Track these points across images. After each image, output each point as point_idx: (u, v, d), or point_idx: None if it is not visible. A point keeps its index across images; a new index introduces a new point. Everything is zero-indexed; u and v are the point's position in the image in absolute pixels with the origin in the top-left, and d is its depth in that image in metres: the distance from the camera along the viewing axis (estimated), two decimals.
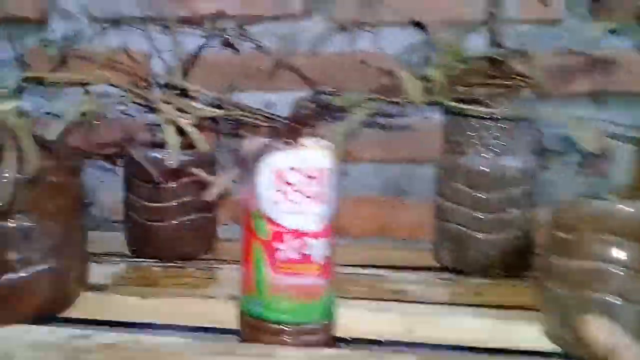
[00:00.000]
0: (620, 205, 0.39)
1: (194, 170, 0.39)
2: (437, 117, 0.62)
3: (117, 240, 0.64)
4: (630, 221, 0.38)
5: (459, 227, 0.58)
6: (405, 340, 0.48)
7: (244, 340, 0.45)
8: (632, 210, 0.39)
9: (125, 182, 0.62)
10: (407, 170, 0.69)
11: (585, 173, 0.69)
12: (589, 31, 0.64)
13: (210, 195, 0.38)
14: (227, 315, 0.50)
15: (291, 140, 0.41)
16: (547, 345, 0.44)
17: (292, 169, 0.40)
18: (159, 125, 0.62)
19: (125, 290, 0.53)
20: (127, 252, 0.64)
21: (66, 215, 0.46)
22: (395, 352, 0.45)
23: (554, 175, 0.65)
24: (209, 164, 0.60)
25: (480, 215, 0.56)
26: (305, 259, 0.42)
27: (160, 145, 0.60)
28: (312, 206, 0.41)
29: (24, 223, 0.43)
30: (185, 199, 0.61)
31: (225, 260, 0.62)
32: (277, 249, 0.41)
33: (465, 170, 0.56)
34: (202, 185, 0.62)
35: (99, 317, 0.50)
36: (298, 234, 0.41)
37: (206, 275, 0.59)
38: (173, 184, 0.60)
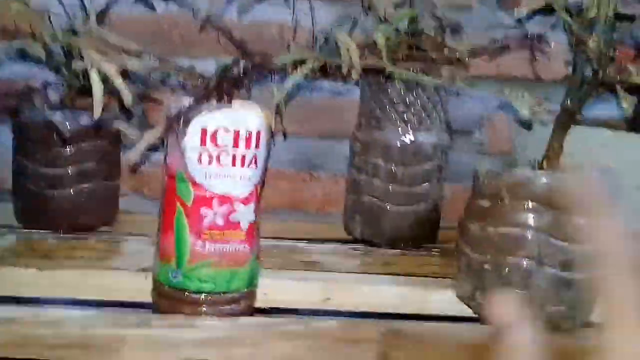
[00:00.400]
0: (539, 175, 0.41)
1: (120, 125, 0.36)
2: (355, 93, 0.63)
3: (3, 210, 0.58)
4: (546, 190, 0.41)
5: (372, 199, 0.58)
6: (323, 308, 0.48)
7: (158, 312, 0.42)
8: (549, 180, 0.41)
9: (17, 146, 0.56)
10: (321, 144, 0.69)
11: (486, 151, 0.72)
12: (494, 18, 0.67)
13: (135, 154, 0.35)
14: (135, 288, 0.47)
15: (221, 101, 0.39)
16: (459, 309, 0.46)
17: (222, 129, 0.38)
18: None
19: (19, 263, 0.48)
20: (15, 223, 0.58)
21: None
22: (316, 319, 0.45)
23: (458, 152, 0.68)
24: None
25: (394, 188, 0.57)
26: (232, 225, 0.40)
27: (56, 106, 0.55)
28: (241, 170, 0.39)
29: None
30: (84, 165, 0.57)
31: (128, 232, 0.58)
32: (201, 215, 0.39)
33: (382, 144, 0.57)
34: (104, 150, 0.59)
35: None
36: (226, 199, 0.39)
37: (108, 248, 0.55)
38: (71, 148, 0.55)
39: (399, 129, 0.57)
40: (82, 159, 0.57)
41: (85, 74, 0.53)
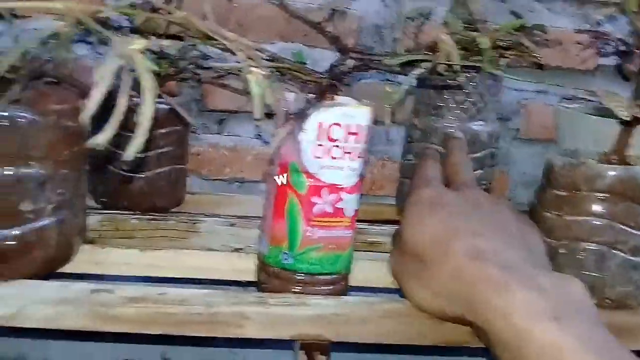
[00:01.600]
0: (612, 168, 0.45)
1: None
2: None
3: None
4: (618, 181, 0.45)
5: None
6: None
7: (264, 291, 0.46)
8: (621, 172, 0.45)
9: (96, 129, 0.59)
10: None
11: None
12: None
13: (275, 143, 0.38)
14: (229, 268, 0.51)
15: (332, 97, 0.42)
16: None
17: (335, 124, 0.41)
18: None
19: (116, 243, 0.51)
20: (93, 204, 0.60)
21: (78, 164, 0.43)
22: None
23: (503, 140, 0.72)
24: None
25: None
26: (338, 212, 0.43)
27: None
28: (350, 162, 0.43)
29: (40, 170, 0.40)
30: (163, 150, 0.60)
31: (202, 213, 0.62)
32: (313, 203, 0.43)
33: (441, 132, 0.60)
34: (179, 135, 0.62)
35: (99, 272, 0.49)
36: (334, 188, 0.43)
37: (189, 228, 0.58)
38: (154, 133, 0.58)
39: (458, 117, 0.60)
40: (160, 144, 0.59)
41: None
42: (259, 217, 0.56)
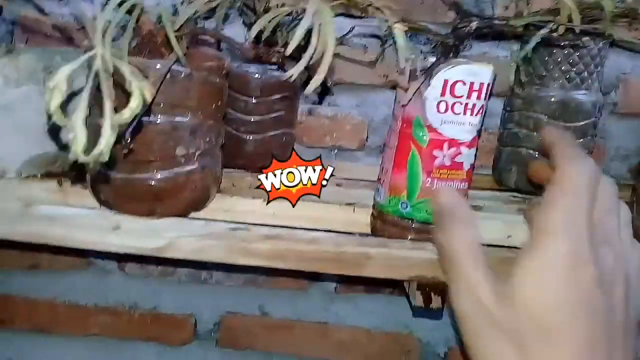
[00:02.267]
0: None
1: (398, 78, 0.42)
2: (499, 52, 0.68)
3: None
4: None
5: (530, 152, 0.64)
6: (506, 244, 0.54)
7: (383, 237, 0.49)
8: None
9: None
10: None
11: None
12: None
13: (406, 97, 0.42)
14: (343, 219, 0.54)
15: (457, 56, 0.45)
16: None
17: (460, 81, 0.44)
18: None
19: (240, 193, 0.56)
20: None
21: (220, 117, 0.48)
22: None
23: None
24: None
25: None
26: (457, 166, 0.46)
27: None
28: (471, 118, 0.45)
29: (192, 119, 0.45)
30: (277, 114, 0.64)
31: None
32: (433, 156, 0.46)
33: (546, 101, 0.62)
34: (290, 101, 0.66)
35: (228, 218, 0.53)
36: (454, 143, 0.46)
37: None
38: (269, 98, 0.62)
39: (563, 87, 0.62)
40: (274, 108, 0.64)
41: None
42: (361, 179, 0.60)
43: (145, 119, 0.41)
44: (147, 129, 0.42)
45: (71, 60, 0.51)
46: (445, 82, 0.44)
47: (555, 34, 0.44)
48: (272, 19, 0.38)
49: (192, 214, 0.48)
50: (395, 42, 0.37)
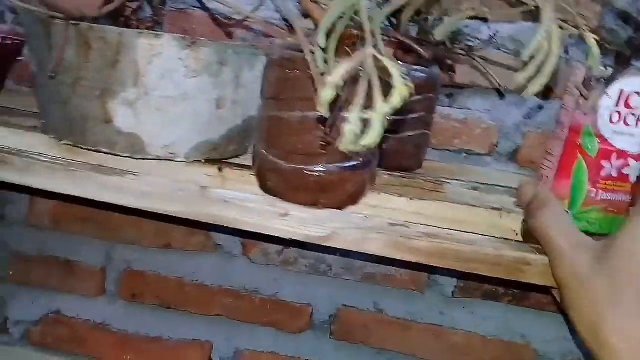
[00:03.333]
0: None
1: (578, 86, 0.43)
2: None
3: None
4: None
5: None
6: None
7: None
8: None
9: None
10: None
11: None
12: None
13: (587, 106, 0.42)
14: (490, 223, 0.55)
15: (628, 67, 0.45)
16: None
17: (636, 93, 0.44)
18: None
19: (384, 190, 0.57)
20: None
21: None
22: None
23: None
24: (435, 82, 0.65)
25: None
26: (623, 177, 0.46)
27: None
28: None
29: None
30: (416, 115, 0.65)
31: (441, 176, 0.66)
32: (601, 166, 0.46)
33: None
34: (431, 103, 0.67)
35: (373, 214, 0.55)
36: (623, 154, 0.45)
37: (435, 188, 0.62)
38: (410, 99, 0.64)
39: None
40: (415, 109, 0.65)
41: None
42: (496, 185, 0.60)
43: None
44: (321, 123, 0.44)
45: (241, 54, 0.54)
46: (621, 92, 0.44)
47: None
48: (455, 20, 0.39)
49: (349, 208, 0.50)
50: (587, 51, 0.37)
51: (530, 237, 0.49)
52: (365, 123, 0.28)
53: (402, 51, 0.64)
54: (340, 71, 0.28)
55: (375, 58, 0.29)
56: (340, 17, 0.34)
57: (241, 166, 0.56)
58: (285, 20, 0.65)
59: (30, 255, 0.85)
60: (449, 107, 0.77)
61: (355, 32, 0.43)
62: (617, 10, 0.49)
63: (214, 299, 0.82)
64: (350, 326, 0.81)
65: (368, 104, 0.29)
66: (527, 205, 0.46)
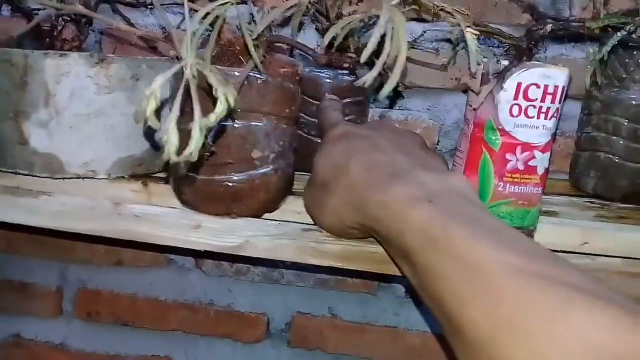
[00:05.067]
0: None
1: (470, 82, 0.42)
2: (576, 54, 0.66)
3: None
4: None
5: (610, 156, 0.62)
6: (579, 251, 0.52)
7: None
8: None
9: None
10: None
11: None
12: None
13: (477, 101, 0.42)
14: None
15: (528, 60, 0.45)
16: None
17: (534, 84, 0.44)
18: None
19: None
20: None
21: (293, 121, 0.50)
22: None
23: None
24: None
25: (635, 145, 0.60)
26: (530, 170, 0.46)
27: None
28: (545, 121, 0.45)
29: (267, 123, 0.47)
30: (348, 118, 0.65)
31: None
32: (506, 159, 0.46)
33: (626, 104, 0.60)
34: (362, 106, 0.67)
35: (300, 220, 0.54)
36: (528, 146, 0.45)
37: None
38: (343, 102, 0.64)
39: None
40: (345, 112, 0.65)
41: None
42: None
43: (223, 123, 0.43)
44: (226, 132, 0.44)
45: (156, 69, 0.54)
46: (519, 85, 0.44)
47: (634, 35, 0.43)
48: (345, 25, 0.39)
49: (266, 215, 0.50)
50: (466, 46, 0.37)
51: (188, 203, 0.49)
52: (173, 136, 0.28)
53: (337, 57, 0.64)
54: (158, 80, 0.28)
55: (197, 67, 0.29)
56: (209, 28, 0.34)
57: (165, 180, 0.56)
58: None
59: None
60: (389, 108, 0.77)
61: (236, 38, 0.44)
62: (524, 3, 0.49)
63: (169, 313, 0.82)
64: (306, 333, 0.81)
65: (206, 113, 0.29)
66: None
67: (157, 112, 0.29)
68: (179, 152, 0.28)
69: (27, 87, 0.50)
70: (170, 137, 0.27)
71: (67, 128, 0.52)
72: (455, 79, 0.73)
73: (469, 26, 0.36)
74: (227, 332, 0.82)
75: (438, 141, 0.76)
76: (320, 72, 0.64)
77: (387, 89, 0.32)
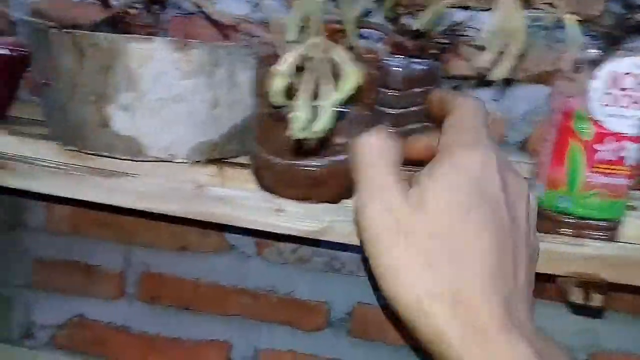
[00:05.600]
0: None
1: (565, 69, 0.42)
2: None
3: None
4: None
5: None
6: None
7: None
8: None
9: None
10: None
11: None
12: None
13: (572, 90, 0.41)
14: None
15: (619, 48, 0.43)
16: None
17: (627, 74, 0.43)
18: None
19: None
20: None
21: (374, 108, 0.50)
22: None
23: None
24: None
25: None
26: (620, 160, 0.45)
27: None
28: (636, 111, 0.44)
29: (353, 110, 0.47)
30: (419, 107, 0.65)
31: None
32: (596, 150, 0.44)
33: None
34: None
35: None
36: (619, 136, 0.44)
37: None
38: (411, 91, 0.63)
39: None
40: (417, 101, 0.64)
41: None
42: None
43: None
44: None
45: (234, 55, 0.55)
46: (612, 74, 0.43)
47: None
48: (437, 9, 0.39)
49: (346, 201, 0.50)
50: (566, 33, 0.36)
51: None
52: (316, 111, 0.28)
53: (396, 45, 0.64)
54: (287, 60, 0.28)
55: (325, 47, 0.29)
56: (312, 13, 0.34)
57: (242, 165, 0.57)
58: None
59: (52, 261, 0.87)
60: None
61: (338, 26, 0.44)
62: None
63: (230, 298, 0.83)
64: (367, 323, 0.81)
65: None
66: None
67: (285, 91, 0.29)
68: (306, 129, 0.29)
69: (111, 70, 0.51)
70: (299, 113, 0.28)
71: (148, 112, 0.53)
72: (523, 70, 0.72)
73: (568, 12, 0.35)
74: (288, 319, 0.82)
75: (506, 133, 0.74)
76: (391, 60, 0.64)
77: (502, 71, 0.31)
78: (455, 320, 0.31)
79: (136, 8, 0.67)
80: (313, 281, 0.81)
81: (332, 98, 0.28)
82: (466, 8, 0.58)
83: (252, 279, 0.83)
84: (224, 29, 0.69)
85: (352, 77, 0.29)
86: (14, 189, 0.52)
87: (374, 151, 0.36)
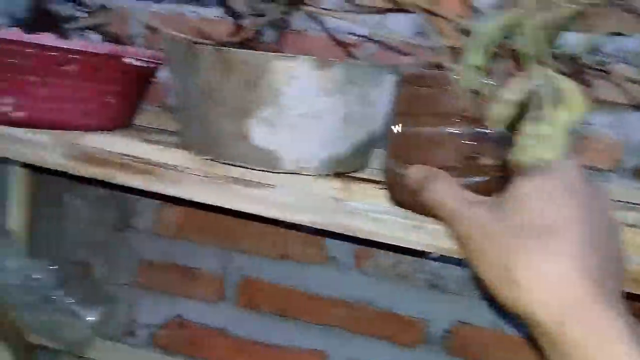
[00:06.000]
0: None
1: None
2: None
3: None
4: None
5: None
6: None
7: None
8: None
9: None
10: None
11: None
12: None
13: None
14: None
15: None
16: None
17: None
18: None
19: None
20: None
21: None
22: None
23: None
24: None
25: None
26: None
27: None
28: None
29: (496, 132, 0.47)
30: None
31: None
32: None
33: None
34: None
35: None
36: None
37: None
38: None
39: None
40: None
41: None
42: (618, 200, 0.58)
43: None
44: (459, 138, 0.45)
45: (368, 74, 0.56)
46: None
47: None
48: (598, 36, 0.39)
49: None
50: None
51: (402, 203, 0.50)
52: (538, 138, 0.29)
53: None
54: (516, 88, 0.29)
55: (547, 75, 0.30)
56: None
57: (364, 180, 0.58)
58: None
59: (156, 262, 0.91)
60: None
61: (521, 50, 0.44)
62: None
63: (328, 309, 0.84)
64: (467, 343, 0.80)
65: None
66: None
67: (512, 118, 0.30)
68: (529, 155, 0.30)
69: (255, 86, 0.54)
70: (528, 142, 0.29)
71: (288, 126, 0.55)
72: None
73: None
74: (384, 333, 0.83)
75: (622, 158, 0.73)
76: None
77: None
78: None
79: (262, 26, 0.69)
80: (411, 297, 0.81)
81: (562, 123, 0.29)
82: (618, 34, 0.58)
83: (349, 291, 0.84)
84: (345, 47, 0.71)
85: (579, 101, 0.29)
86: (124, 191, 0.55)
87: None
